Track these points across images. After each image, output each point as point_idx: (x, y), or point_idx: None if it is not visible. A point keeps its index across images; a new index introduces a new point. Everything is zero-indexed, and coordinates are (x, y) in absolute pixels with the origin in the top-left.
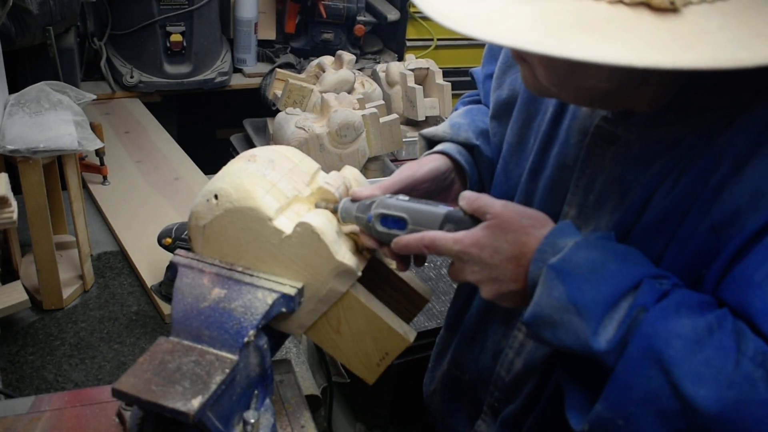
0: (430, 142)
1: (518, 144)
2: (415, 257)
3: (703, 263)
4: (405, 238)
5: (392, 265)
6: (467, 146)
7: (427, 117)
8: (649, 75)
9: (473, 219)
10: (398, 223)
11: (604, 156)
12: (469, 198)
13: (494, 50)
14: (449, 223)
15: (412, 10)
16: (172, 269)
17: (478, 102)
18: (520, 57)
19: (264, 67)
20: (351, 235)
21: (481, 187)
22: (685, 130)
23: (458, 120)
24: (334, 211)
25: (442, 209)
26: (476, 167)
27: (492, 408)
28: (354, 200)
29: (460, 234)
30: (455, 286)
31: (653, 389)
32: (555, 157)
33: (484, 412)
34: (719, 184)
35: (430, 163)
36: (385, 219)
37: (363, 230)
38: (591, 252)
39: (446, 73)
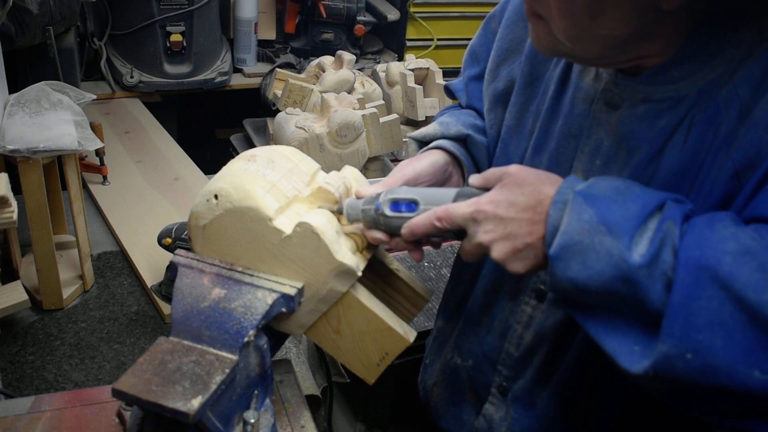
0: (421, 144)
1: (517, 126)
2: (430, 241)
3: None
4: (417, 218)
5: (392, 265)
6: (459, 139)
7: (427, 117)
8: (662, 16)
9: (486, 191)
10: (409, 206)
11: (610, 121)
12: (478, 175)
13: (476, 52)
14: (462, 197)
15: (412, 10)
16: (172, 269)
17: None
18: (536, 15)
19: (264, 67)
20: (351, 235)
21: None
22: (688, 87)
23: (445, 119)
24: (339, 213)
25: (453, 189)
26: (471, 157)
27: (500, 388)
28: (359, 198)
29: (474, 198)
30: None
31: (716, 309)
32: (560, 129)
33: (491, 394)
34: (729, 132)
35: (427, 158)
36: (395, 204)
37: (370, 225)
38: (613, 181)
39: (446, 73)
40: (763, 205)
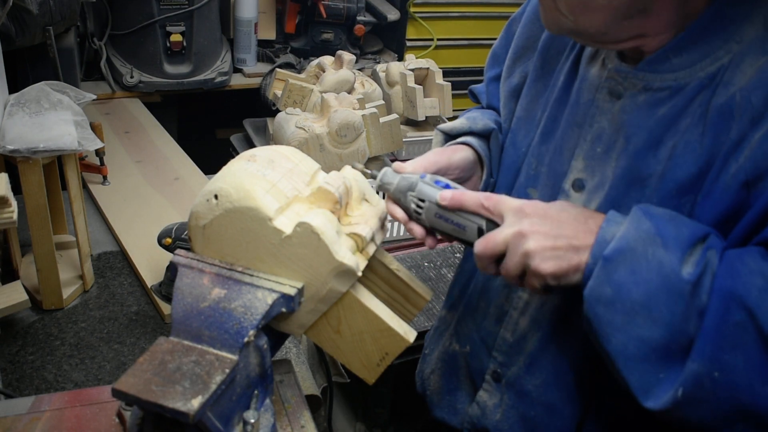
0: (447, 137)
1: (526, 117)
2: (443, 234)
3: (732, 220)
4: (467, 192)
5: (392, 265)
6: (484, 135)
7: (427, 117)
8: None
9: None
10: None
11: (613, 110)
12: None
13: (497, 54)
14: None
15: (412, 10)
16: (172, 269)
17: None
18: None
19: (264, 67)
20: (351, 235)
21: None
22: (687, 76)
23: (472, 114)
24: (372, 177)
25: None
26: (490, 157)
27: (494, 375)
28: (397, 172)
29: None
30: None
31: (740, 334)
32: (566, 118)
33: (485, 381)
34: (739, 138)
35: (461, 152)
36: (438, 181)
37: (395, 200)
38: (664, 209)
39: (446, 73)
40: None
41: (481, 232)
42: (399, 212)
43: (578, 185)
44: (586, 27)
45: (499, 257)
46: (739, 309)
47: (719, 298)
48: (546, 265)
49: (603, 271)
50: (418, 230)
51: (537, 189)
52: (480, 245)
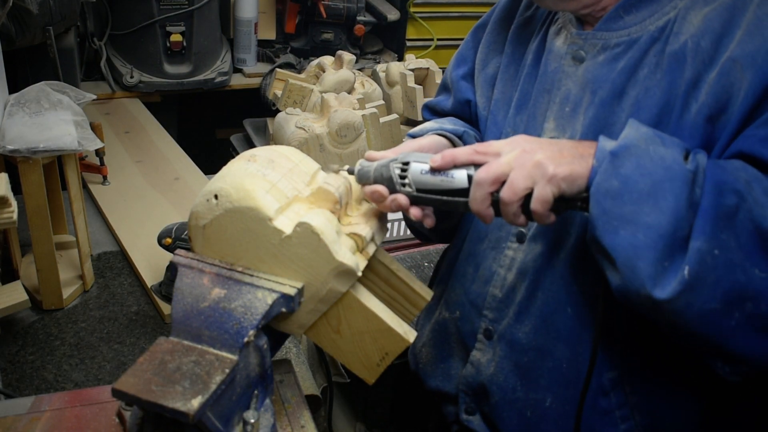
0: None
1: (503, 98)
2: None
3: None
4: (458, 148)
5: (392, 265)
6: (456, 135)
7: None
8: None
9: None
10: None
11: (577, 73)
12: None
13: (464, 55)
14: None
15: (412, 10)
16: (172, 269)
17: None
18: None
19: (264, 67)
20: (351, 235)
21: None
22: (639, 31)
23: (439, 120)
24: (351, 173)
25: None
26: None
27: (486, 333)
28: (370, 161)
29: None
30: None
31: (732, 215)
32: (536, 87)
33: (477, 340)
34: (693, 78)
35: (430, 137)
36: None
37: (376, 180)
38: None
39: None
40: (759, 139)
41: (470, 179)
42: (381, 187)
43: None
44: None
45: (497, 191)
46: (730, 194)
47: (712, 184)
48: (561, 168)
49: (610, 165)
50: (402, 199)
51: None
52: (482, 171)
